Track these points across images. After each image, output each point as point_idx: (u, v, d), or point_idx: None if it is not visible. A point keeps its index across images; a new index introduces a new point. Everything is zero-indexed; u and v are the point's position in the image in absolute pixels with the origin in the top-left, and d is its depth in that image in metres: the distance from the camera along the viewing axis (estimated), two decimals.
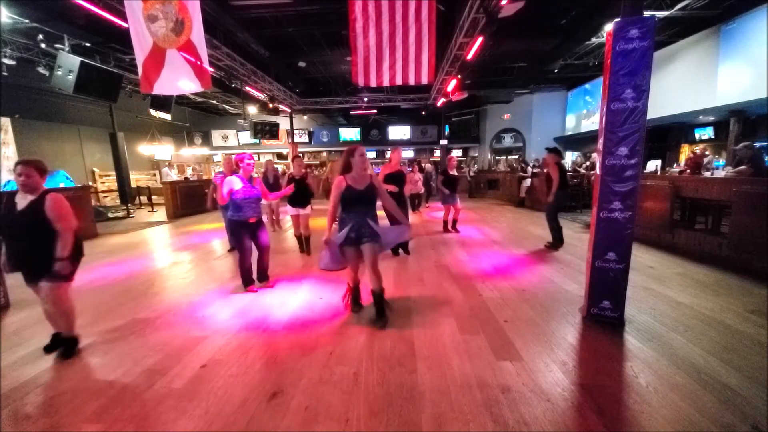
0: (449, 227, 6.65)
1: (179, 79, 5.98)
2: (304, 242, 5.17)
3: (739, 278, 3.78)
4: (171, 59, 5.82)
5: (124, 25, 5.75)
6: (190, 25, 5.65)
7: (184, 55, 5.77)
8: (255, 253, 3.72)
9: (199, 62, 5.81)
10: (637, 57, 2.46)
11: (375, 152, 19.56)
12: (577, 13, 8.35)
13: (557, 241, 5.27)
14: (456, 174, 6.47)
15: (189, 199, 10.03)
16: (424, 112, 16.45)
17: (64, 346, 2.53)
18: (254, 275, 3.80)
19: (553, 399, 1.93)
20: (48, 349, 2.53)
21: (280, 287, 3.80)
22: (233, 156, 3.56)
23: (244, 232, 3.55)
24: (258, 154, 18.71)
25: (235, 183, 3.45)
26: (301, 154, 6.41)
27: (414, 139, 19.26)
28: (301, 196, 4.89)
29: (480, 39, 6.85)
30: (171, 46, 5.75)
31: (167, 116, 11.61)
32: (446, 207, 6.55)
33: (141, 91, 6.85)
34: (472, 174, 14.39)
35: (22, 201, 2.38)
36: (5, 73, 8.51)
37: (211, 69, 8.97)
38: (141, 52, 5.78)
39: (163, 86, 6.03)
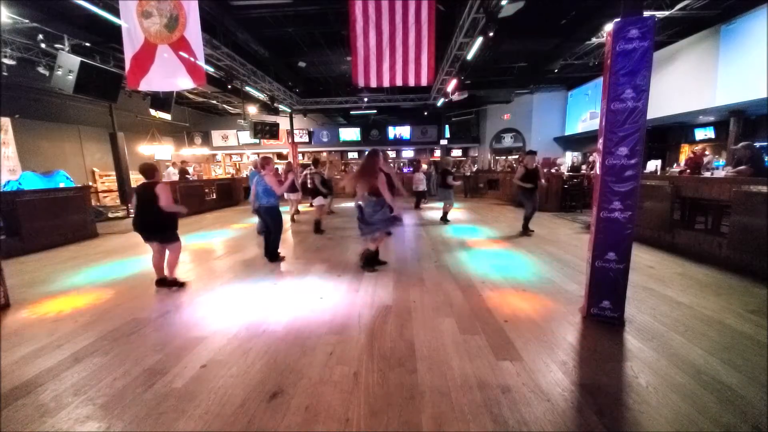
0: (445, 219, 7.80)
1: (169, 76, 5.89)
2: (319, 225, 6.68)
3: (739, 278, 3.78)
4: (162, 55, 5.74)
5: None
6: (185, 22, 5.59)
7: (177, 52, 5.73)
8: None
9: (193, 58, 5.75)
10: (637, 57, 2.45)
11: None
12: (577, 13, 8.35)
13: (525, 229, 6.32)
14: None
15: (189, 199, 10.01)
16: (426, 113, 16.43)
17: (173, 284, 3.83)
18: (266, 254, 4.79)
19: (553, 399, 1.93)
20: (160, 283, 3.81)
21: (279, 287, 3.81)
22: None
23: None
24: (257, 153, 18.72)
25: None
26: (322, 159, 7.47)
27: (414, 139, 19.25)
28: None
29: (480, 39, 6.85)
30: (163, 42, 5.68)
31: (167, 116, 11.58)
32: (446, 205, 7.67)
33: (127, 87, 6.81)
34: (467, 174, 14.40)
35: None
36: (5, 73, 8.50)
37: (210, 69, 8.97)
38: (131, 47, 5.71)
39: (150, 82, 5.93)
